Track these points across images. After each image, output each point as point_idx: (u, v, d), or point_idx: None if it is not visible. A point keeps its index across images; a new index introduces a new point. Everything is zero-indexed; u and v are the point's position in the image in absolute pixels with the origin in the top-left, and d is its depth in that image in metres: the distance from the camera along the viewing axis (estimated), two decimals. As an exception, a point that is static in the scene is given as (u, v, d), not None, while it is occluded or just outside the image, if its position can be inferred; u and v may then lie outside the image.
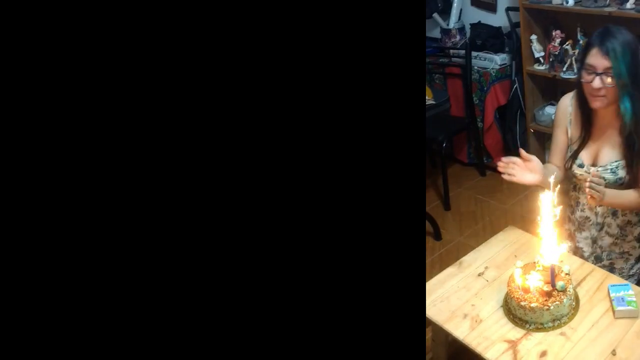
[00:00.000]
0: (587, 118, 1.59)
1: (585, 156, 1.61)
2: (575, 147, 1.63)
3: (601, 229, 1.67)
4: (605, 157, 1.57)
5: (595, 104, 1.49)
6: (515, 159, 1.56)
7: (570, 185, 1.73)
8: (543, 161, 1.61)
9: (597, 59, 1.43)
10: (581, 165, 1.61)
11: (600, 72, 1.43)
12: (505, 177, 1.57)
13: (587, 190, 1.43)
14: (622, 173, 1.54)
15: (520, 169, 1.55)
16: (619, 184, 1.56)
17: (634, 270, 1.67)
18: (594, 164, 1.60)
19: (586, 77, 1.47)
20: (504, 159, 1.58)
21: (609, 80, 1.43)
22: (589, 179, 1.44)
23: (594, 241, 1.70)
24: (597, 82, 1.44)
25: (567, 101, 1.65)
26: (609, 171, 1.56)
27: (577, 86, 1.57)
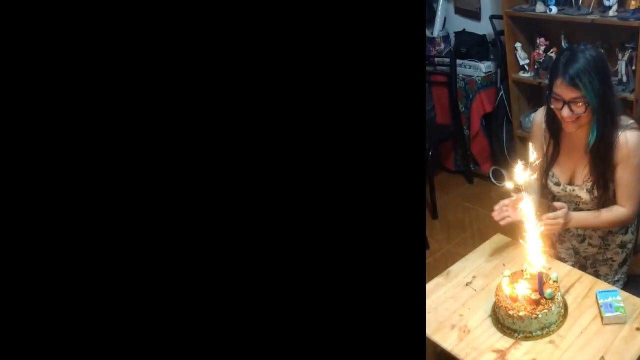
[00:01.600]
0: (555, 137, 1.58)
1: (561, 175, 1.61)
2: (546, 163, 1.62)
3: (583, 240, 1.67)
4: (580, 175, 1.57)
5: (568, 128, 1.48)
6: (504, 201, 1.57)
7: (549, 196, 1.73)
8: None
9: (562, 89, 1.41)
10: (557, 184, 1.62)
11: (567, 100, 1.42)
12: (502, 223, 1.57)
13: (545, 228, 1.44)
14: (596, 192, 1.55)
15: (512, 209, 1.55)
16: (595, 203, 1.57)
17: (618, 276, 1.67)
18: (570, 183, 1.60)
19: (555, 105, 1.46)
20: (496, 207, 1.58)
21: (577, 109, 1.41)
22: (544, 218, 1.45)
23: (576, 252, 1.69)
24: (565, 112, 1.43)
25: (541, 117, 1.63)
26: (584, 190, 1.56)
27: (546, 105, 1.56)
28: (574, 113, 1.42)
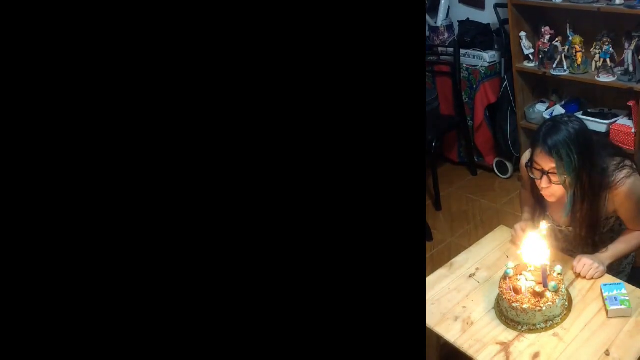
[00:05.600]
0: (540, 202, 1.61)
1: (556, 217, 1.63)
2: (540, 213, 1.66)
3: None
4: (574, 221, 1.58)
5: (548, 199, 1.50)
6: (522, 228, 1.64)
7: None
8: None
9: (542, 158, 1.41)
10: (559, 226, 1.65)
11: (547, 171, 1.41)
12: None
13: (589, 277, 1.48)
14: (592, 234, 1.56)
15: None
16: (591, 238, 1.59)
17: (622, 267, 1.66)
18: (565, 225, 1.62)
19: (535, 174, 1.46)
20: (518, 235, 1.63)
21: (555, 179, 1.41)
22: (582, 272, 1.49)
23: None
24: (544, 182, 1.43)
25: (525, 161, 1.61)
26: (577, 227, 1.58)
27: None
28: (552, 183, 1.43)
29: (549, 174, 1.41)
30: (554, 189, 1.44)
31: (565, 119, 1.43)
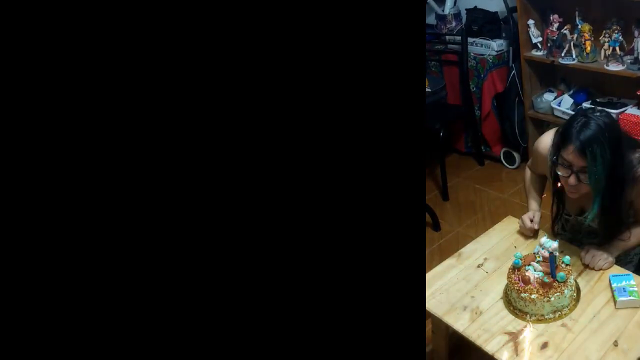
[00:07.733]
0: (559, 198, 1.60)
1: (570, 208, 1.63)
2: (556, 208, 1.65)
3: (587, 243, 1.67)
4: (589, 207, 1.54)
5: (572, 195, 1.46)
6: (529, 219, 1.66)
7: (559, 224, 1.75)
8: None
9: (574, 157, 1.34)
10: (568, 214, 1.65)
11: (576, 170, 1.36)
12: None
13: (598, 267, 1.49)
14: (607, 224, 1.55)
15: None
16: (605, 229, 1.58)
17: (630, 257, 1.66)
18: (580, 214, 1.61)
19: (562, 171, 1.40)
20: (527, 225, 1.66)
21: (584, 178, 1.36)
22: (590, 263, 1.49)
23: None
24: (572, 180, 1.38)
25: (548, 144, 1.54)
26: (595, 222, 1.57)
27: (551, 170, 1.51)
28: (581, 182, 1.37)
29: (578, 173, 1.36)
30: (580, 187, 1.39)
31: (597, 114, 1.37)
